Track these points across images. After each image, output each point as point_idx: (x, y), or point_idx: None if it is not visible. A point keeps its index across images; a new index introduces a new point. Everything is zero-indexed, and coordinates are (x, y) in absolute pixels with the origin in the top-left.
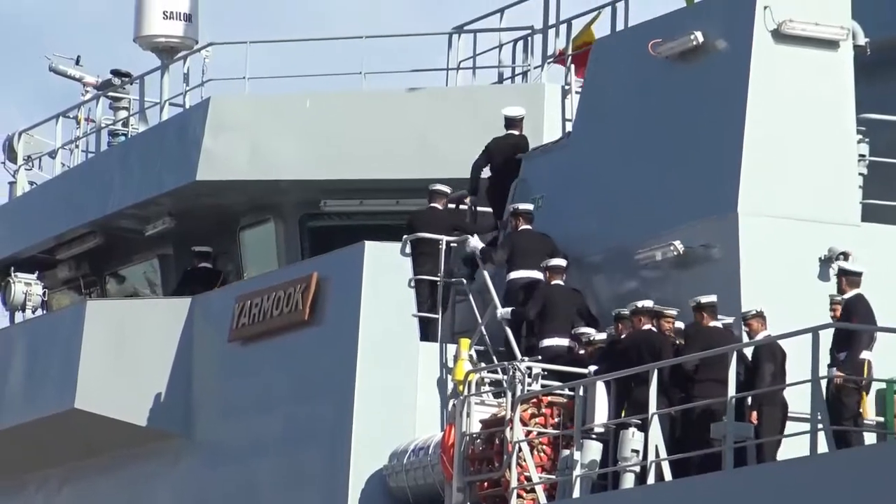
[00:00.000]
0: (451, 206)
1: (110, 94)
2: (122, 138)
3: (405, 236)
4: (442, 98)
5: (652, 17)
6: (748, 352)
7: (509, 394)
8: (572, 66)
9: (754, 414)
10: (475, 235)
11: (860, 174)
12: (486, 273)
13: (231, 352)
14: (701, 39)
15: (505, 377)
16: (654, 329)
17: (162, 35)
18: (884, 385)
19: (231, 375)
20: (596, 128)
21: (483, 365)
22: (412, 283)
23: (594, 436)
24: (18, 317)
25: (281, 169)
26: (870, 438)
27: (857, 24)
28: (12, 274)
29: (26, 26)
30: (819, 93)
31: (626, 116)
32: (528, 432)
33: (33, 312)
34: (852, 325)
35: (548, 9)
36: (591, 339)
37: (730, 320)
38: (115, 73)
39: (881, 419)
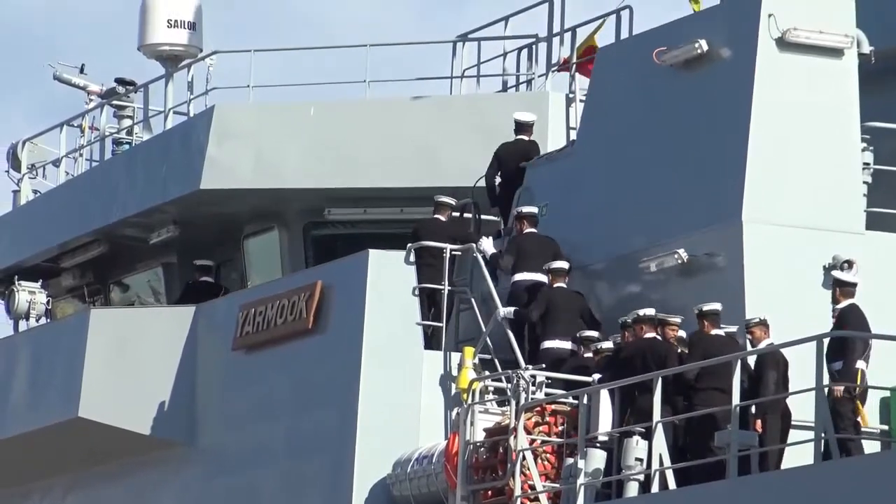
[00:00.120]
0: (456, 214)
1: (114, 102)
2: (127, 147)
3: (409, 245)
4: (446, 106)
5: (656, 25)
6: (751, 360)
7: (513, 402)
8: (576, 75)
9: (758, 422)
10: (489, 238)
11: (864, 182)
12: (485, 273)
13: (235, 360)
14: (705, 47)
15: (509, 385)
16: (657, 337)
17: (166, 43)
18: (888, 393)
19: (235, 384)
20: (600, 136)
21: (487, 373)
22: (416, 292)
23: (598, 444)
24: (22, 325)
25: (285, 177)
26: (870, 447)
27: (861, 33)
28: (16, 282)
29: (31, 35)
30: (823, 101)
31: (631, 125)
32: (532, 441)
33: (37, 321)
34: (855, 333)
35: (552, 17)
36: (599, 347)
37: (734, 329)
38: (120, 81)
39: (885, 427)
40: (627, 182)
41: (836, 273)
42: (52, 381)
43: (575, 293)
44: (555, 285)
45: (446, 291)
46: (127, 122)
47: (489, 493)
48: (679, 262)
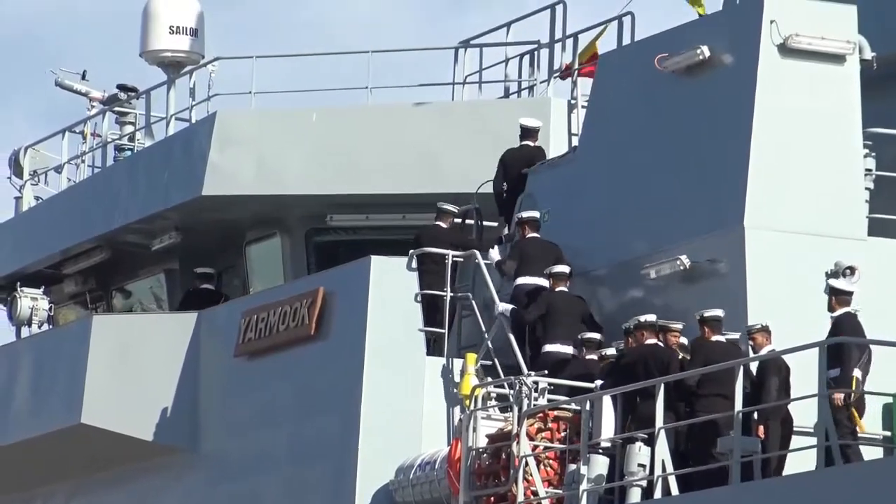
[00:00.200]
0: (458, 221)
1: (116, 108)
2: (129, 153)
3: (411, 251)
4: (448, 112)
5: (658, 31)
6: (753, 366)
7: (516, 408)
8: (578, 81)
9: (761, 428)
10: (496, 247)
11: (866, 188)
12: (487, 279)
13: (237, 366)
14: (707, 54)
15: (511, 392)
16: (659, 343)
17: (168, 50)
18: (891, 399)
19: (237, 390)
20: (602, 142)
21: (489, 379)
22: (418, 298)
23: (600, 450)
24: (25, 332)
25: (287, 183)
26: (873, 453)
27: (863, 39)
28: (18, 289)
29: (33, 41)
30: (825, 107)
31: (633, 131)
32: (535, 447)
33: (39, 327)
34: (861, 339)
35: (554, 23)
36: (604, 354)
37: (736, 336)
38: (121, 87)
39: (887, 433)
40: (629, 188)
41: (833, 281)
42: (54, 388)
43: (576, 297)
44: (556, 289)
45: (448, 298)
46: (129, 129)
47: (492, 499)
48: (681, 268)
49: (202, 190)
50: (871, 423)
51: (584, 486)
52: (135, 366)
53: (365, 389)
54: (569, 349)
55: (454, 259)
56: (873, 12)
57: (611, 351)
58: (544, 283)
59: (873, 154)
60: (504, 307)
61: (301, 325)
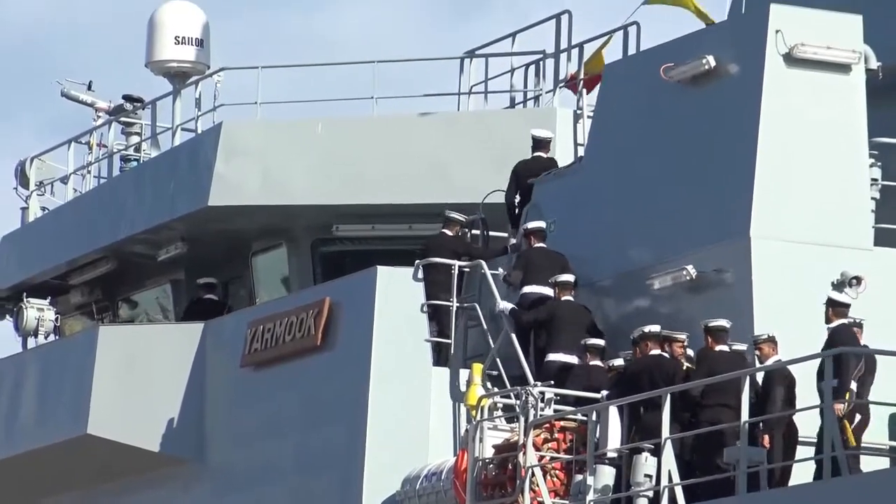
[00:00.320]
0: (465, 230)
1: (122, 119)
2: (135, 163)
3: (417, 261)
4: (454, 122)
5: (663, 41)
6: (758, 376)
7: (522, 419)
8: (584, 91)
9: (766, 438)
10: (502, 301)
11: (872, 198)
12: (493, 288)
13: (243, 377)
14: (713, 63)
15: (518, 402)
16: (663, 354)
17: (174, 60)
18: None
19: (243, 401)
20: (608, 152)
21: (496, 390)
22: (424, 308)
23: (607, 461)
24: (31, 342)
25: (293, 194)
26: (880, 463)
27: (869, 48)
28: (25, 299)
29: (39, 52)
30: (831, 116)
31: (639, 141)
32: (541, 457)
33: (46, 338)
34: (868, 349)
35: (559, 33)
36: (612, 364)
37: (743, 347)
38: (127, 98)
39: (894, 443)
40: (635, 198)
41: (831, 293)
42: (60, 398)
43: (581, 307)
44: (562, 298)
45: (454, 308)
46: (135, 139)
47: None
48: (687, 278)
49: (208, 200)
50: (877, 433)
51: (590, 496)
52: (141, 376)
53: (371, 400)
54: (572, 358)
55: (460, 269)
56: (879, 22)
57: (618, 362)
58: (550, 292)
59: (879, 164)
60: (504, 305)
61: (307, 336)
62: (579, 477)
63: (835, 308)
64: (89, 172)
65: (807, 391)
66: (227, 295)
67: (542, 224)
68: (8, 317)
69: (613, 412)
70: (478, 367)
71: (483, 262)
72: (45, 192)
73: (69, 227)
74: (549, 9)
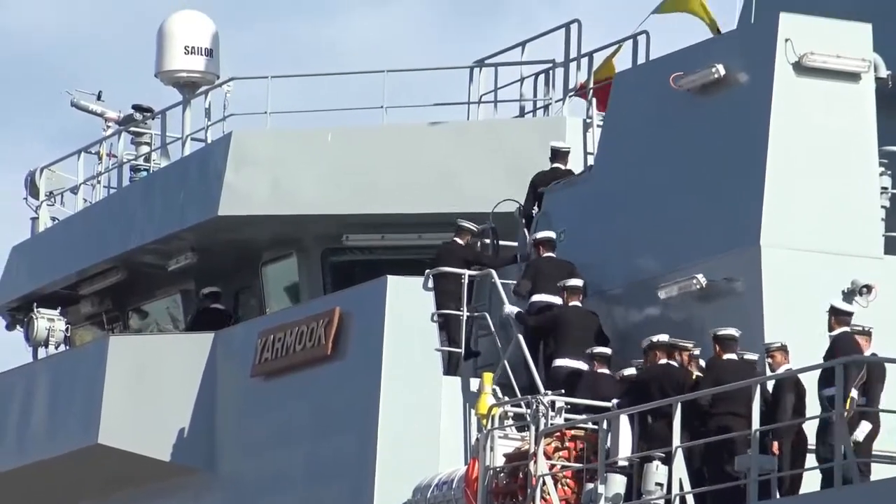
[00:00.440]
0: (476, 239)
1: (132, 129)
2: (144, 173)
3: (427, 271)
4: (463, 132)
5: (673, 50)
6: (768, 384)
7: (533, 427)
8: (594, 100)
9: (775, 445)
10: (508, 305)
11: (882, 207)
12: (503, 295)
13: (254, 387)
14: (722, 72)
15: (528, 411)
16: (672, 363)
17: (183, 70)
18: None
19: (254, 410)
20: (618, 161)
21: (506, 398)
22: (434, 317)
23: (618, 469)
24: (41, 352)
25: (303, 203)
26: (889, 471)
27: (878, 57)
28: (35, 310)
29: (48, 62)
30: (841, 125)
31: (648, 150)
32: (552, 466)
33: (56, 348)
34: (877, 357)
35: (569, 42)
36: (623, 374)
37: (755, 357)
38: (137, 108)
39: None
40: (645, 207)
41: (833, 301)
42: (71, 408)
43: (589, 312)
44: (570, 303)
45: (465, 317)
46: (144, 149)
47: None
48: (697, 286)
49: (218, 210)
50: (887, 441)
51: None
52: (151, 386)
53: (382, 409)
54: (580, 364)
55: (470, 278)
56: (889, 30)
57: (629, 371)
58: (558, 300)
59: (889, 172)
60: (511, 309)
61: (317, 345)
62: (590, 485)
63: (837, 316)
64: (99, 183)
65: (812, 399)
66: (238, 304)
67: (550, 234)
68: (18, 327)
69: (624, 421)
70: (488, 376)
71: (493, 271)
72: (55, 202)
73: (79, 238)
74: (559, 18)
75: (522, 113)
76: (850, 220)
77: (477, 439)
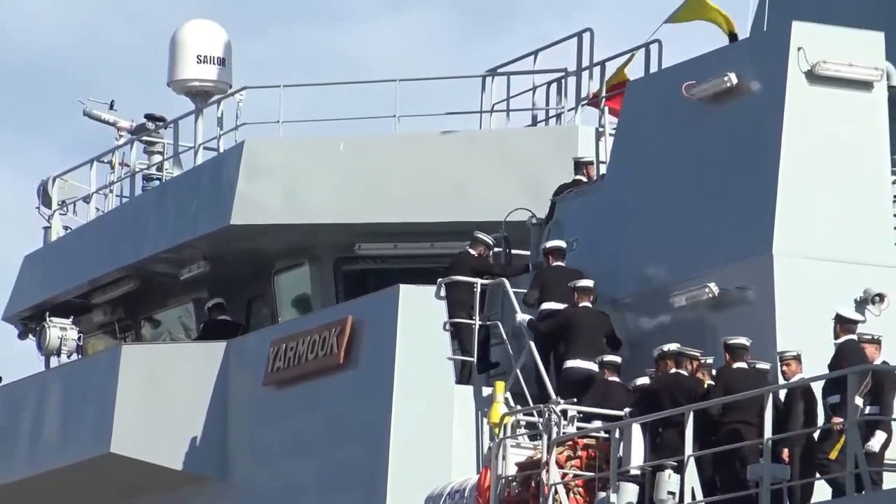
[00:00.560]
0: (490, 251)
1: (144, 138)
2: (157, 182)
3: (439, 279)
4: (476, 141)
5: (685, 59)
6: (780, 392)
7: (545, 436)
8: (606, 109)
9: (786, 452)
10: (520, 314)
11: (895, 215)
12: (515, 304)
13: (266, 395)
14: (735, 81)
15: (540, 420)
16: (681, 372)
17: (196, 79)
18: None
19: (266, 419)
20: (630, 170)
21: (519, 407)
22: (447, 326)
23: (630, 478)
24: (54, 361)
25: (315, 212)
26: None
27: (891, 65)
28: (47, 319)
29: (61, 71)
30: (853, 133)
31: (661, 158)
32: (564, 475)
33: (68, 357)
34: (887, 366)
35: (581, 51)
36: (636, 384)
37: (766, 366)
38: (149, 117)
39: None
40: (658, 216)
41: (839, 309)
42: (83, 417)
43: (599, 313)
44: (580, 304)
45: (477, 326)
46: (157, 158)
47: None
48: (710, 295)
49: (230, 219)
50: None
51: None
52: (164, 395)
53: (394, 418)
54: (588, 365)
55: (483, 287)
56: None
57: (642, 380)
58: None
59: None
60: (523, 317)
61: (330, 354)
62: (602, 494)
63: (842, 324)
64: (111, 192)
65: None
66: (250, 313)
67: (560, 243)
68: (31, 336)
69: (636, 430)
70: (500, 385)
71: (505, 280)
72: (68, 211)
73: (91, 247)
74: (571, 27)
75: (535, 122)
76: (862, 228)
77: (489, 448)
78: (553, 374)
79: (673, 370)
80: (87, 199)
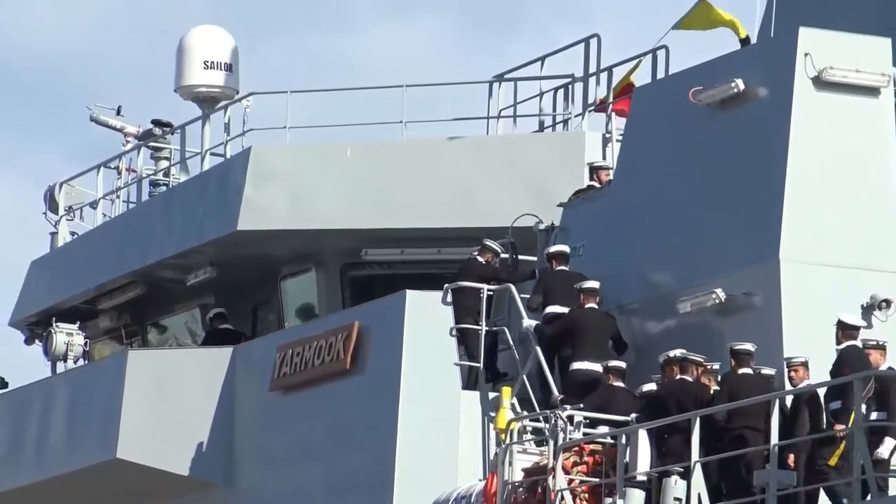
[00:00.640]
0: (497, 259)
1: (151, 143)
2: (164, 188)
3: (446, 285)
4: (483, 146)
5: (692, 64)
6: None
7: (551, 442)
8: (613, 114)
9: (791, 457)
10: (527, 319)
11: None
12: (522, 310)
13: (272, 401)
14: (742, 87)
15: (547, 425)
16: (686, 378)
17: (203, 85)
18: None
19: (272, 424)
20: (637, 176)
21: (525, 413)
22: (453, 332)
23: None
24: (60, 367)
25: (322, 218)
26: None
27: None
28: (54, 324)
29: (68, 77)
30: (860, 140)
31: (668, 164)
32: (571, 480)
33: (75, 362)
34: (890, 371)
35: (588, 57)
36: (643, 391)
37: (771, 372)
38: (156, 122)
39: None
40: (664, 222)
41: (840, 315)
42: (90, 423)
43: (604, 314)
44: (586, 305)
45: (483, 331)
46: (164, 164)
47: None
48: (716, 301)
49: (237, 225)
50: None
51: None
52: (170, 400)
53: (400, 424)
54: (595, 367)
55: (489, 293)
56: None
57: (649, 386)
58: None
59: None
60: (529, 323)
61: (336, 360)
62: (609, 500)
63: (844, 330)
64: (118, 197)
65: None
66: (256, 319)
67: (563, 248)
68: (37, 341)
69: (643, 435)
70: (507, 391)
71: (511, 286)
72: (75, 217)
73: (98, 252)
74: (578, 33)
75: (542, 127)
76: (868, 234)
77: (495, 454)
78: (558, 377)
79: (679, 376)
80: (93, 205)
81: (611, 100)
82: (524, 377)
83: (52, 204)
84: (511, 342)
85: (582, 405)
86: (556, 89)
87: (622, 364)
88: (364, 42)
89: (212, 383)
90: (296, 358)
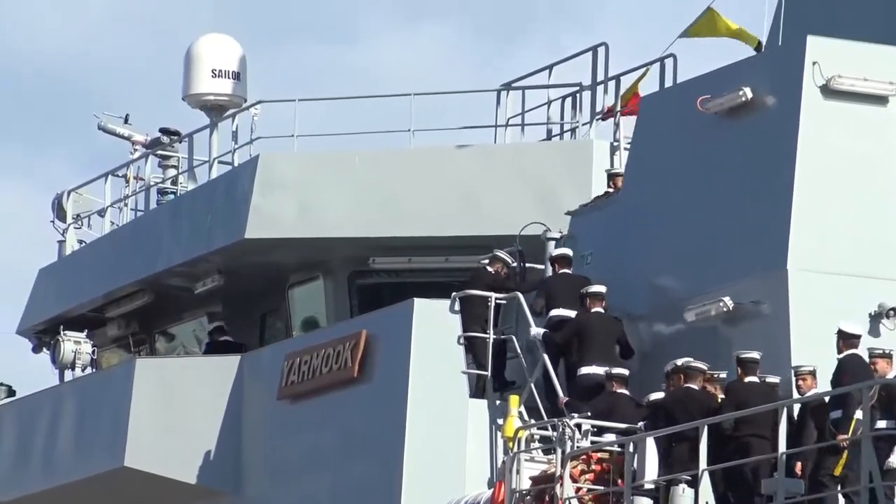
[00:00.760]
0: (507, 270)
1: (159, 152)
2: (171, 196)
3: (454, 293)
4: (490, 155)
5: (700, 73)
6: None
7: (559, 450)
8: (621, 123)
9: (798, 465)
10: (535, 328)
11: None
12: (529, 318)
13: (280, 409)
14: (749, 95)
15: (554, 434)
16: (692, 387)
17: (210, 93)
18: None
19: (280, 433)
20: (645, 184)
21: (533, 421)
22: (461, 341)
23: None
24: (68, 375)
25: (330, 226)
26: None
27: None
28: (62, 332)
29: (76, 86)
30: (868, 148)
31: (675, 173)
32: (578, 489)
33: (83, 371)
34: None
35: (596, 65)
36: (650, 399)
37: (776, 380)
38: (164, 131)
39: None
40: (672, 230)
41: (840, 324)
42: (97, 431)
43: (611, 318)
44: (592, 310)
45: (491, 340)
46: (171, 172)
47: None
48: (724, 309)
49: (245, 233)
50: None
51: None
52: (178, 409)
53: (408, 432)
54: (602, 371)
55: (497, 301)
56: None
57: (655, 395)
58: (573, 314)
59: None
60: (537, 331)
61: (344, 368)
62: None
63: (845, 339)
64: (126, 205)
65: None
66: (264, 327)
67: (565, 251)
68: (45, 350)
69: (650, 444)
70: (514, 399)
71: (519, 295)
72: (82, 225)
73: (106, 260)
74: (586, 41)
75: (549, 136)
76: (877, 242)
77: (503, 462)
78: (564, 382)
79: (684, 385)
80: (101, 213)
81: (618, 108)
82: (532, 385)
83: (59, 212)
84: (519, 350)
85: (586, 410)
86: (563, 98)
87: (625, 371)
88: (372, 50)
89: (219, 392)
90: (303, 366)
